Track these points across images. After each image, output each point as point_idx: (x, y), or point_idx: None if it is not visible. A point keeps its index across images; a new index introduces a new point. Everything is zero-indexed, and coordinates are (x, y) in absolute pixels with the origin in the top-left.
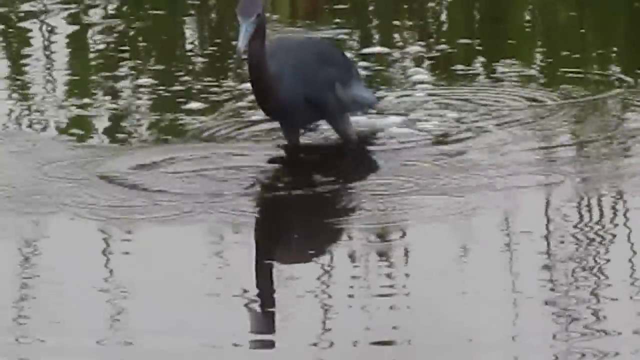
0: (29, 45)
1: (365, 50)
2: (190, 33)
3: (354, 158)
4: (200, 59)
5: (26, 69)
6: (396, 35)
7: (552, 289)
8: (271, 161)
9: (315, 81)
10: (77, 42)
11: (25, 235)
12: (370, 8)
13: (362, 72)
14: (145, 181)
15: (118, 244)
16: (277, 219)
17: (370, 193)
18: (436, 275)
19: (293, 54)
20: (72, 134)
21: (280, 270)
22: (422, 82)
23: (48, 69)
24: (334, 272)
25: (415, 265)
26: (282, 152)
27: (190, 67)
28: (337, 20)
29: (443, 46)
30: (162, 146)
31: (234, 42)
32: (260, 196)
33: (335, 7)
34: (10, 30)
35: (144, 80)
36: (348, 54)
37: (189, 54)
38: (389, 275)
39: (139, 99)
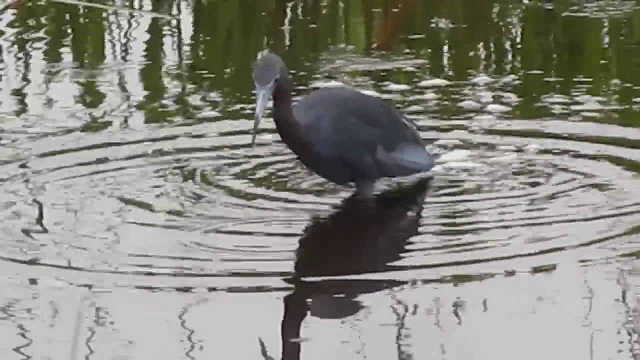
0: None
1: (432, 82)
2: None
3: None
4: None
5: None
6: (468, 66)
7: None
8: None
9: (353, 141)
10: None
11: None
12: (445, 37)
13: (429, 104)
14: None
15: None
16: None
17: None
18: None
19: (333, 110)
20: None
21: None
22: (491, 112)
23: None
24: None
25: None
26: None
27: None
28: (410, 50)
29: (513, 76)
30: None
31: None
32: None
33: (411, 37)
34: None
35: None
36: (421, 84)
37: None
38: None
39: None
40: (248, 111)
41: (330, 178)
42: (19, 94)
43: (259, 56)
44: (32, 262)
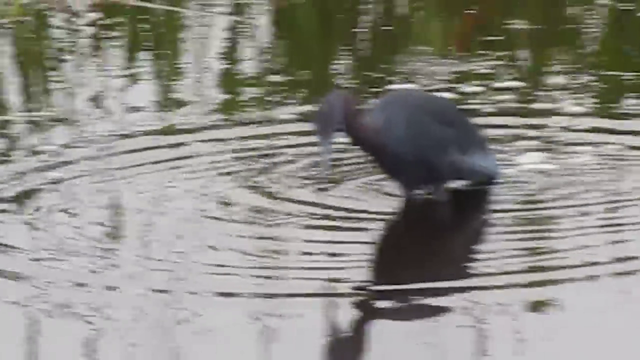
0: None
1: (508, 84)
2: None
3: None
4: None
5: None
6: (545, 67)
7: None
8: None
9: (427, 139)
10: None
11: None
12: (523, 39)
13: (504, 106)
14: None
15: None
16: None
17: None
18: None
19: (407, 110)
20: None
21: None
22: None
23: None
24: None
25: None
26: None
27: None
28: (488, 51)
29: (590, 77)
30: None
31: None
32: None
33: (489, 38)
34: None
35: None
36: (496, 85)
37: None
38: None
39: None
40: None
41: (406, 181)
42: (98, 96)
43: (322, 100)
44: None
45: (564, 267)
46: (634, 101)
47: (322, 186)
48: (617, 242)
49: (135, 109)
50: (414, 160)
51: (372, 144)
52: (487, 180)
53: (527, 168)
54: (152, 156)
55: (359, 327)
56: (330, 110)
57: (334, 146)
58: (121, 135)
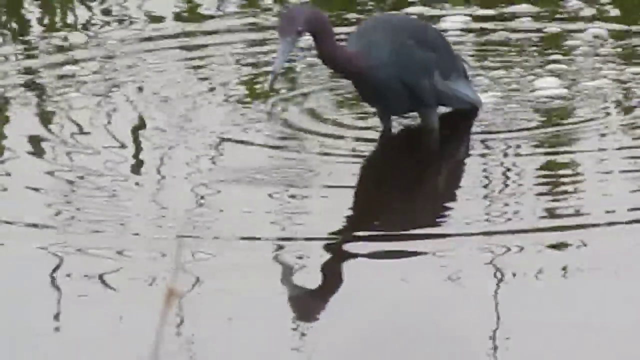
0: None
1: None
2: None
3: None
4: None
5: None
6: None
7: None
8: None
9: (410, 62)
10: None
11: None
12: None
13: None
14: None
15: None
16: None
17: None
18: None
19: (388, 33)
20: None
21: None
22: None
23: None
24: None
25: None
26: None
27: None
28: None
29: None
30: None
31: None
32: None
33: None
34: None
35: None
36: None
37: None
38: None
39: None
40: None
41: (389, 107)
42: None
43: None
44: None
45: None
46: None
47: (270, 85)
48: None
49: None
50: (398, 84)
51: (353, 69)
52: (469, 108)
53: (543, 94)
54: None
55: (333, 273)
56: (293, 13)
57: (293, 50)
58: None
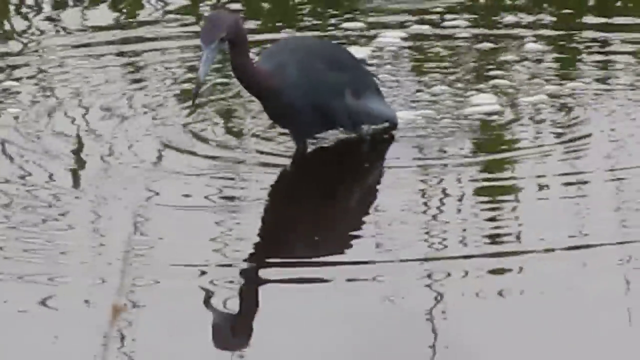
0: None
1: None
2: None
3: None
4: None
5: None
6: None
7: None
8: None
9: (321, 85)
10: None
11: None
12: None
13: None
14: None
15: None
16: None
17: None
18: None
19: (299, 55)
20: None
21: None
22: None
23: None
24: None
25: None
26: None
27: None
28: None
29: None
30: None
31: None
32: None
33: None
34: None
35: None
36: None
37: None
38: None
39: None
40: None
41: (300, 128)
42: None
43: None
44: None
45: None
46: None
47: (193, 97)
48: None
49: None
50: (309, 106)
51: (264, 87)
52: (385, 124)
53: (479, 110)
54: None
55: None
56: (215, 22)
57: (216, 57)
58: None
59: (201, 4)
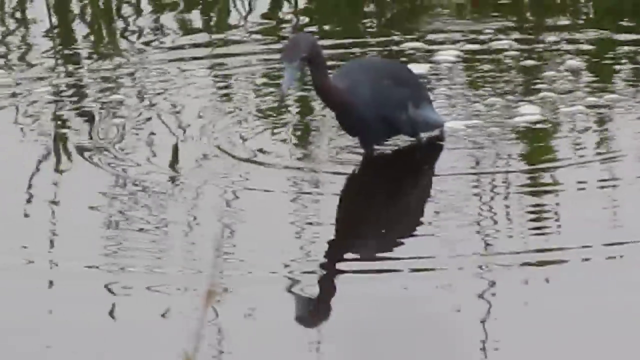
0: None
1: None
2: None
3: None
4: None
5: None
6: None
7: None
8: None
9: (389, 100)
10: None
11: None
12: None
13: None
14: None
15: None
16: None
17: None
18: None
19: (369, 74)
20: None
21: None
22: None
23: None
24: None
25: None
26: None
27: None
28: (496, 13)
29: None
30: None
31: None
32: None
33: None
34: None
35: None
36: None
37: None
38: None
39: None
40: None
41: (369, 137)
42: None
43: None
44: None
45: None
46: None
47: (279, 105)
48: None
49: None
50: (378, 118)
51: (339, 103)
52: (437, 131)
53: (520, 121)
54: None
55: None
56: (298, 42)
57: (296, 75)
58: None
59: (282, 26)
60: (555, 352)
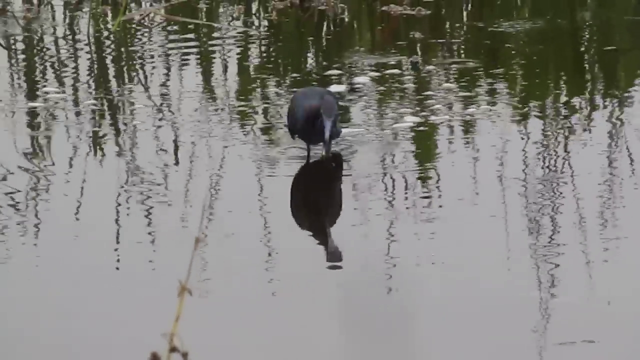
0: None
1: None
2: None
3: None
4: None
5: None
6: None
7: None
8: None
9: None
10: None
11: None
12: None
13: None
14: None
15: None
16: None
17: None
18: None
19: (318, 97)
20: None
21: None
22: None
23: None
24: None
25: None
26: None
27: None
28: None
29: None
30: None
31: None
32: None
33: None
34: None
35: None
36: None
37: None
38: None
39: None
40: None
41: (314, 140)
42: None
43: (325, 97)
44: None
45: None
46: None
47: (327, 152)
48: None
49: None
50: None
51: (313, 111)
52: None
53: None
54: None
55: None
56: (332, 102)
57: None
58: None
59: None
60: None
